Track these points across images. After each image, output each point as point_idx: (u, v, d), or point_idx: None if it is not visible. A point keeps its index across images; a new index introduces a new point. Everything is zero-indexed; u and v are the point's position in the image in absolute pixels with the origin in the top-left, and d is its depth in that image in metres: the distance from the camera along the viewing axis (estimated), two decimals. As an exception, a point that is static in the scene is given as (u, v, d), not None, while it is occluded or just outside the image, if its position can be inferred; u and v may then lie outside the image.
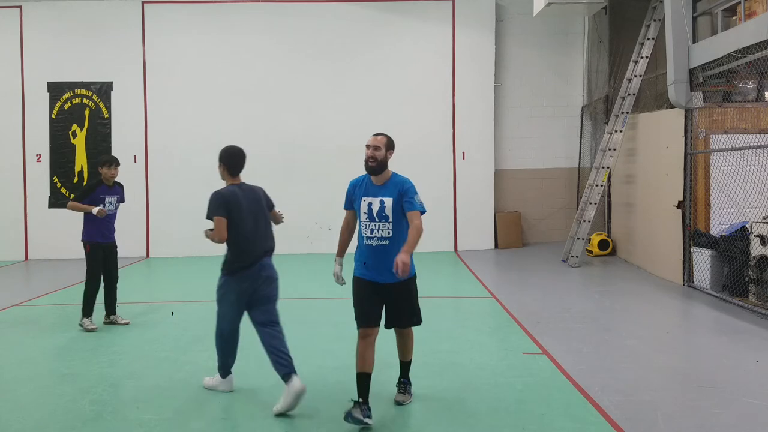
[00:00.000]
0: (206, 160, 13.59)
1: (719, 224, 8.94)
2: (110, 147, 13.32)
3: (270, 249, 5.13)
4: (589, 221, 11.38)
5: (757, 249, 7.82)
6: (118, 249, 7.64)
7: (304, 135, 13.32)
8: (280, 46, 13.39)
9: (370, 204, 4.60)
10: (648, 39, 10.86)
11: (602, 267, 11.24)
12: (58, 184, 13.39)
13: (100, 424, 4.60)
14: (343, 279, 4.88)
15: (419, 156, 13.36)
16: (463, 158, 13.48)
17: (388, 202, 4.55)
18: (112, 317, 7.56)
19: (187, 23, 13.41)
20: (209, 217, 4.89)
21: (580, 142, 13.84)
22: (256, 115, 13.31)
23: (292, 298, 8.96)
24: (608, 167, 11.44)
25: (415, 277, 4.77)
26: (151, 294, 10.02)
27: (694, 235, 8.99)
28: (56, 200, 13.33)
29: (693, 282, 9.05)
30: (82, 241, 7.36)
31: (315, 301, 8.90)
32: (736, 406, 4.78)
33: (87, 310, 7.35)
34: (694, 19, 8.99)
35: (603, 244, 12.23)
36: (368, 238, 4.61)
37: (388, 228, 4.55)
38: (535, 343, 6.42)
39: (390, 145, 4.67)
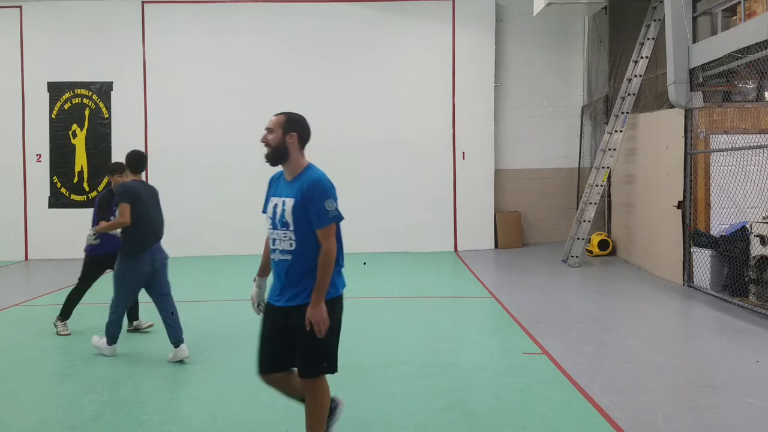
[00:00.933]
0: (206, 160, 13.68)
1: (719, 224, 8.94)
2: (110, 147, 13.32)
3: (161, 236, 6.22)
4: (589, 221, 11.38)
5: (757, 249, 7.82)
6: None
7: (304, 135, 13.30)
8: (280, 46, 13.39)
9: (275, 206, 3.66)
10: (648, 39, 10.86)
11: (602, 267, 11.24)
12: (58, 184, 13.39)
13: (100, 424, 4.60)
14: (260, 305, 3.92)
15: (419, 156, 13.39)
16: (463, 158, 13.48)
17: (289, 203, 3.57)
18: (135, 323, 7.17)
19: (187, 23, 13.41)
20: (119, 202, 5.93)
21: (580, 142, 13.84)
22: (255, 115, 13.23)
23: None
24: (608, 167, 11.44)
25: (335, 300, 3.62)
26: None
27: (694, 235, 8.99)
28: (56, 200, 13.33)
29: (693, 282, 9.05)
30: (85, 250, 7.02)
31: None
32: (736, 406, 4.78)
33: (67, 313, 7.11)
34: (694, 19, 8.99)
35: (603, 244, 12.23)
36: (272, 250, 3.67)
37: (290, 238, 3.56)
38: (535, 343, 6.42)
39: (291, 126, 3.63)
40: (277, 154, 3.62)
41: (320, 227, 3.50)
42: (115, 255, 6.60)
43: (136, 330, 7.17)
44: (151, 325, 7.18)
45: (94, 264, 7.01)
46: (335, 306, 3.60)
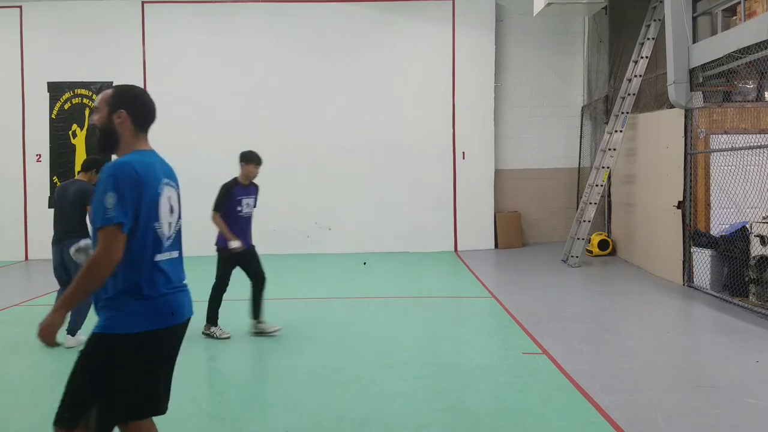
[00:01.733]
0: (206, 160, 13.66)
1: (719, 224, 8.94)
2: (110, 147, 13.31)
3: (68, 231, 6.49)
4: (589, 221, 11.38)
5: (757, 249, 7.82)
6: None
7: (303, 135, 13.32)
8: (279, 46, 13.40)
9: None
10: (648, 39, 10.86)
11: (602, 267, 11.24)
12: (58, 184, 13.37)
13: (100, 424, 4.60)
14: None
15: (419, 156, 13.39)
16: (463, 158, 13.48)
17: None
18: (260, 326, 6.79)
19: (187, 23, 13.41)
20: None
21: (580, 142, 13.84)
22: (256, 115, 13.31)
23: (291, 298, 8.96)
24: (608, 167, 11.44)
25: (119, 338, 2.76)
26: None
27: (694, 235, 8.99)
28: (56, 200, 13.34)
29: (693, 282, 9.05)
30: (216, 245, 6.78)
31: (315, 300, 8.89)
32: (736, 406, 4.78)
33: (214, 318, 6.77)
34: (694, 19, 8.99)
35: (603, 244, 12.23)
36: None
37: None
38: (535, 343, 6.42)
39: (118, 102, 2.92)
40: (104, 139, 2.95)
41: (94, 227, 2.75)
42: (245, 251, 6.73)
43: (261, 334, 6.80)
44: (278, 330, 6.86)
45: (227, 259, 6.75)
46: (115, 346, 2.75)
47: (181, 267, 3.06)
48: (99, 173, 2.87)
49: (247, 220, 6.87)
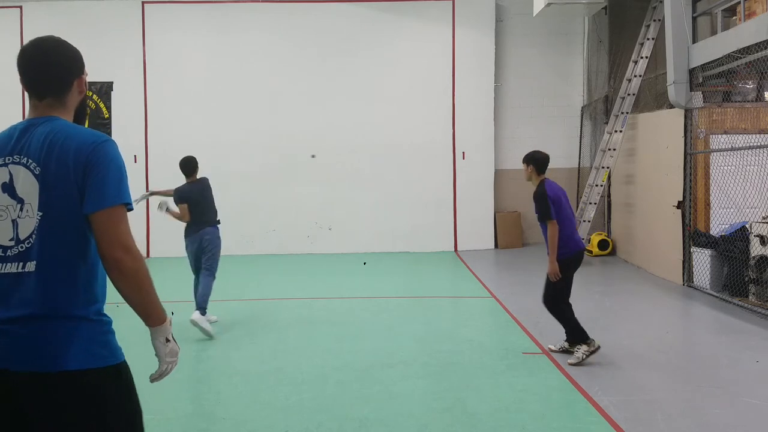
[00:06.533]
0: (206, 160, 13.62)
1: (719, 224, 8.95)
2: (110, 147, 13.32)
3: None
4: (589, 221, 11.38)
5: (756, 249, 7.82)
6: None
7: (303, 134, 13.31)
8: (280, 46, 13.39)
9: None
10: (648, 39, 10.86)
11: (602, 267, 11.24)
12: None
13: (101, 424, 4.60)
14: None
15: (419, 156, 13.38)
16: (463, 158, 13.48)
17: None
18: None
19: (187, 23, 13.41)
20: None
21: (580, 142, 13.84)
22: (256, 115, 13.30)
23: (291, 298, 8.96)
24: (608, 167, 11.45)
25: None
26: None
27: (694, 235, 8.99)
28: (56, 200, 13.33)
29: (693, 282, 9.05)
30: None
31: (315, 300, 8.89)
32: (736, 406, 4.78)
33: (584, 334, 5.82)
34: (694, 19, 8.99)
35: (603, 244, 12.23)
36: None
37: None
38: (535, 343, 6.42)
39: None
40: None
41: None
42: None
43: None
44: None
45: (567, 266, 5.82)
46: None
47: (38, 289, 2.05)
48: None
49: None
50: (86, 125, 2.28)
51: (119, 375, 2.21)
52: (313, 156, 11.25)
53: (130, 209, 2.18)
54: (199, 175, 7.54)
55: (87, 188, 2.06)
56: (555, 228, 5.66)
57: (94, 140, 2.13)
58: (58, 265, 2.07)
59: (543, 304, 5.89)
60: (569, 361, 5.69)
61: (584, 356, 5.67)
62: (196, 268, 7.27)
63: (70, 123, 2.23)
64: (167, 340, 2.32)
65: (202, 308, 6.75)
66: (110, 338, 2.20)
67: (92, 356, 2.10)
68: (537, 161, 6.20)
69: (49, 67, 2.21)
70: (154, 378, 2.35)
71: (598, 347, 5.74)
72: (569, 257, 5.76)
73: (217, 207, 7.39)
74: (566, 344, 5.97)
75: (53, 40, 2.26)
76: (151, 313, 2.22)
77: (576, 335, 5.76)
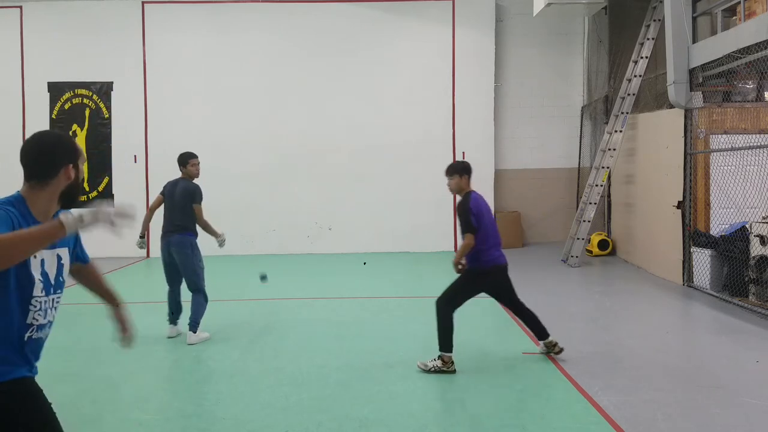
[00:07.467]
0: (206, 160, 13.62)
1: (719, 224, 8.95)
2: (110, 147, 13.34)
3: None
4: (588, 221, 11.39)
5: (756, 249, 7.82)
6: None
7: (303, 134, 13.32)
8: (279, 46, 13.39)
9: (43, 260, 2.45)
10: (648, 39, 10.86)
11: (602, 267, 11.24)
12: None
13: (100, 424, 4.60)
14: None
15: (419, 156, 13.39)
16: (463, 158, 13.47)
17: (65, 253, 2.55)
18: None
19: (187, 23, 13.41)
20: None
21: (580, 142, 13.84)
22: (256, 115, 13.31)
23: (292, 298, 8.96)
24: (608, 167, 11.45)
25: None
26: (152, 294, 10.02)
27: (694, 235, 8.99)
28: (56, 200, 13.34)
29: (693, 282, 9.05)
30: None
31: (315, 300, 8.89)
32: (736, 406, 4.78)
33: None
34: (694, 19, 9.00)
35: (603, 244, 12.23)
36: (40, 326, 2.54)
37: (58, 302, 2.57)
38: (535, 344, 6.42)
39: None
40: None
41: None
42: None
43: None
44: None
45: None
46: None
47: None
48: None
49: None
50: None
51: None
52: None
53: None
54: (200, 176, 7.26)
55: None
56: (469, 241, 5.55)
57: None
58: None
59: (436, 300, 5.76)
60: (418, 363, 5.63)
61: (433, 369, 5.52)
62: (169, 279, 6.78)
63: None
64: (82, 221, 2.21)
65: (193, 328, 6.52)
66: None
67: None
68: (470, 171, 6.10)
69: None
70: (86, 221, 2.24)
71: (454, 371, 5.51)
72: (484, 269, 5.76)
73: (208, 214, 6.87)
74: (544, 347, 5.94)
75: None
76: (41, 241, 2.12)
77: (442, 343, 5.58)
